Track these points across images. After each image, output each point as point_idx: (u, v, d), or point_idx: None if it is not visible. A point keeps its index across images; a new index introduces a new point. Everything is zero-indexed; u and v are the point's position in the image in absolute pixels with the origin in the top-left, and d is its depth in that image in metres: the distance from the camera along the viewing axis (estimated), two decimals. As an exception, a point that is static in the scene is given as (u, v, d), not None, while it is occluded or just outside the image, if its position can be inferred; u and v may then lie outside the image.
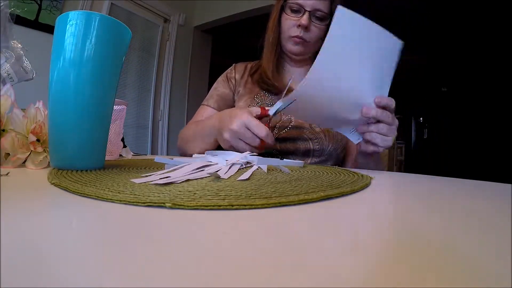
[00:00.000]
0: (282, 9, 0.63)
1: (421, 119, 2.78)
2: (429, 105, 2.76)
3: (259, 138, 0.43)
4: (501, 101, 2.33)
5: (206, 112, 0.68)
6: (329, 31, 0.35)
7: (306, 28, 0.59)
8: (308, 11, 0.58)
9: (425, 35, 2.61)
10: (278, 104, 0.43)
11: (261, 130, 0.43)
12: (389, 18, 2.47)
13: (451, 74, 2.65)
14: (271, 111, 0.44)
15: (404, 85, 3.02)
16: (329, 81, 0.37)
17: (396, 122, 0.42)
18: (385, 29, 0.38)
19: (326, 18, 0.59)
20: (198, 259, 0.09)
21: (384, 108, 0.41)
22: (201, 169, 0.28)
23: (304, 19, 0.58)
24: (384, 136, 0.42)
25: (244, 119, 0.44)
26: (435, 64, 2.73)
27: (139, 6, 2.14)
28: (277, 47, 0.65)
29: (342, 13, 0.35)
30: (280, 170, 0.33)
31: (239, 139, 0.44)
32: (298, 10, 0.60)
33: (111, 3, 1.93)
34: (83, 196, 0.17)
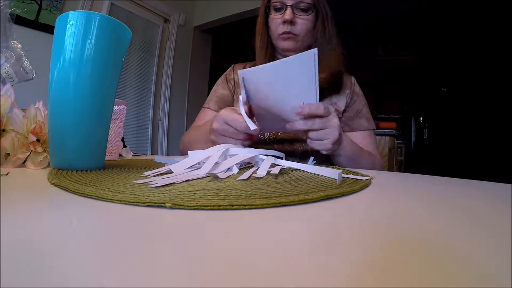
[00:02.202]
0: (266, 12, 0.64)
1: (421, 119, 2.78)
2: (429, 105, 2.75)
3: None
4: (501, 101, 2.33)
5: (207, 115, 0.68)
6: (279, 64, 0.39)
7: (291, 22, 0.59)
8: (290, 5, 0.59)
9: (425, 35, 2.61)
10: (242, 92, 0.44)
11: (238, 123, 0.41)
12: (389, 19, 2.47)
13: (451, 74, 2.65)
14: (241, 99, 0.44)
15: (404, 85, 3.02)
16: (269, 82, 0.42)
17: (332, 123, 0.42)
18: (296, 55, 0.39)
19: (310, 8, 0.60)
20: (198, 259, 0.09)
21: (314, 115, 0.41)
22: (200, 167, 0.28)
23: (287, 14, 0.59)
24: (319, 141, 0.42)
25: (223, 116, 0.43)
26: (435, 64, 2.73)
27: (139, 6, 2.14)
28: (267, 50, 0.66)
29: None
30: (281, 171, 0.33)
31: (225, 136, 0.43)
32: (281, 7, 0.60)
33: (111, 3, 1.93)
34: (83, 196, 0.17)
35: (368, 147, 0.60)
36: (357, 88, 0.67)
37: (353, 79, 0.68)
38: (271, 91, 0.42)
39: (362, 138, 0.62)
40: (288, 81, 0.40)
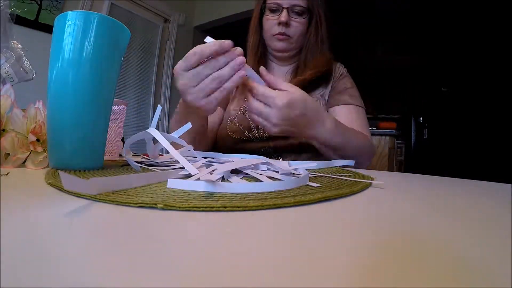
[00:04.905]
0: (261, 12, 0.65)
1: (421, 119, 2.77)
2: (429, 105, 2.75)
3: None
4: (502, 101, 2.32)
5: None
6: None
7: (286, 24, 0.61)
8: (286, 8, 0.60)
9: (424, 35, 2.60)
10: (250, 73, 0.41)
11: (216, 44, 0.36)
12: (389, 19, 2.47)
13: (451, 74, 2.64)
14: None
15: (404, 85, 3.01)
16: None
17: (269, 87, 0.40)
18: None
19: (305, 12, 0.61)
20: (186, 262, 0.09)
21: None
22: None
23: (283, 16, 0.60)
24: (264, 120, 0.41)
25: (190, 52, 0.36)
26: (435, 64, 2.73)
27: (139, 6, 2.14)
28: (258, 49, 0.67)
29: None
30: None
31: (201, 79, 0.35)
32: (277, 9, 0.62)
33: (111, 3, 1.93)
34: (77, 196, 0.17)
35: (352, 124, 0.54)
36: (340, 71, 0.65)
37: (338, 64, 0.67)
38: None
39: (345, 113, 0.58)
40: None
